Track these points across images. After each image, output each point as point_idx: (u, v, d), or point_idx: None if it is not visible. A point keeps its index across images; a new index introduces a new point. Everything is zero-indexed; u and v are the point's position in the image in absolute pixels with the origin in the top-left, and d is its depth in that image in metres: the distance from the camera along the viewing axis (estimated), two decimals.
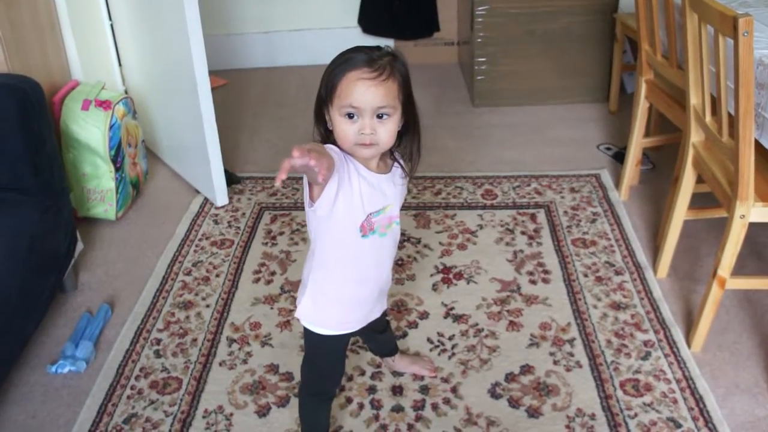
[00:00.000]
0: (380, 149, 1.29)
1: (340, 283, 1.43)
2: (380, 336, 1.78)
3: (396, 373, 1.88)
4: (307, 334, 1.49)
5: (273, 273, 2.29)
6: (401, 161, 1.38)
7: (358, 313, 1.48)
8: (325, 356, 1.53)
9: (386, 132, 1.26)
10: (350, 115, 1.24)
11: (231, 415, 1.77)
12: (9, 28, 2.23)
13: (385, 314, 1.65)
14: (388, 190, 1.36)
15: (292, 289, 2.21)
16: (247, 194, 2.75)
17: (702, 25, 1.79)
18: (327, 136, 1.32)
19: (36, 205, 1.95)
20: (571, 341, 1.97)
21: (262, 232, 2.51)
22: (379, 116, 1.24)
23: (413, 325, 2.06)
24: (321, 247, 1.39)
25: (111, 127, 2.47)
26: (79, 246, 2.21)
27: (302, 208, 2.63)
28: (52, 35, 2.55)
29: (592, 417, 1.74)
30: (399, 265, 2.30)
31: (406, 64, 1.28)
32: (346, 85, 1.22)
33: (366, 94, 1.21)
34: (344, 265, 1.40)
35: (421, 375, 1.87)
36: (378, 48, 1.26)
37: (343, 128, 1.25)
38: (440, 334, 2.01)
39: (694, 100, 1.98)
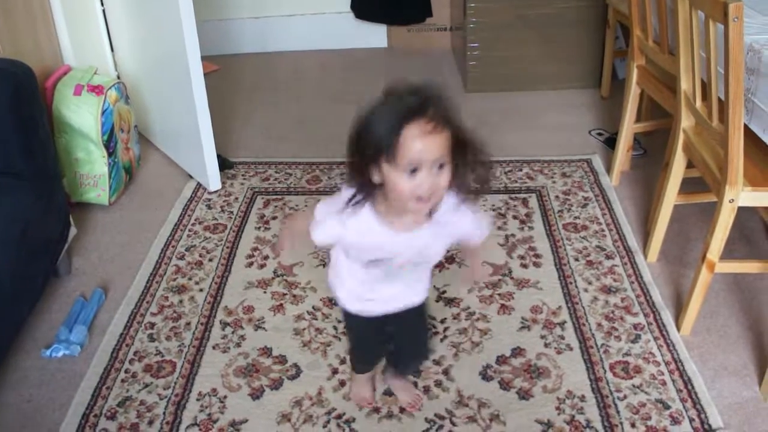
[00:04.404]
0: (435, 201, 1.25)
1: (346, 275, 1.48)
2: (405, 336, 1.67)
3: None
4: None
5: (266, 257, 2.30)
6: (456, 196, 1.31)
7: (371, 301, 1.50)
8: (347, 324, 1.70)
9: (444, 182, 1.22)
10: (413, 171, 1.19)
11: (225, 397, 1.79)
12: (1, 12, 2.22)
13: (408, 319, 1.56)
14: (407, 243, 1.34)
15: (284, 273, 2.22)
16: (240, 179, 2.76)
17: (693, 11, 1.80)
18: (363, 187, 1.28)
19: (29, 190, 1.95)
20: (561, 324, 1.99)
21: (254, 217, 2.52)
22: (439, 167, 1.21)
23: None
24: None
25: (103, 112, 2.47)
26: (73, 231, 2.21)
27: (295, 193, 2.65)
28: (44, 20, 2.54)
29: (582, 399, 1.76)
30: None
31: (444, 96, 1.23)
32: (410, 140, 1.16)
33: (427, 148, 1.17)
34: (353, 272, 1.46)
35: (404, 405, 1.76)
36: (416, 91, 1.20)
37: (404, 185, 1.20)
38: (432, 318, 2.03)
39: (684, 85, 1.99)
